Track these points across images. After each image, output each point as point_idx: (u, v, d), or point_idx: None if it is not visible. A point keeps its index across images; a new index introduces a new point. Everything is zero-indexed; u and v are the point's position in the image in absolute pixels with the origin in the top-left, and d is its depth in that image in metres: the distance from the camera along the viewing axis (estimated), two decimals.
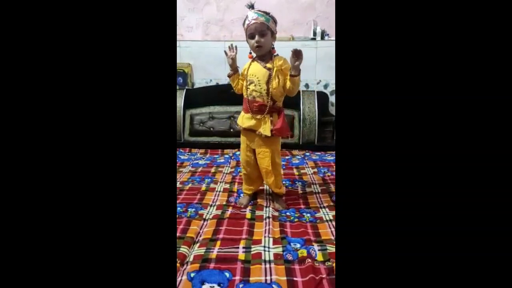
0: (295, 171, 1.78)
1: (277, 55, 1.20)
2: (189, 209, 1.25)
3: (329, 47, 2.37)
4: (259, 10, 1.14)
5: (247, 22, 1.15)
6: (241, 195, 1.38)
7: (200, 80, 2.54)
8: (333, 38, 2.38)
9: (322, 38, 2.37)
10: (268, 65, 1.17)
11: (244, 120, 1.24)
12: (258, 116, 1.19)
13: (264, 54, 1.19)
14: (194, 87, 2.53)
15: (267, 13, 1.15)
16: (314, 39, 2.37)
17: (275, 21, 1.18)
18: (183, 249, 0.96)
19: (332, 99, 2.47)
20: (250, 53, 1.20)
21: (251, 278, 0.85)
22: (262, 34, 1.13)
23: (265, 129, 1.19)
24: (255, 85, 1.18)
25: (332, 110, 2.46)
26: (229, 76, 1.27)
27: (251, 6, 1.15)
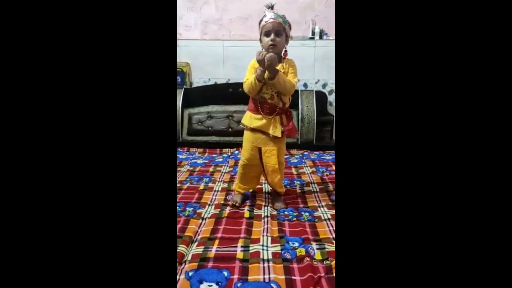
0: (293, 170, 1.78)
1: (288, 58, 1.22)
2: (187, 208, 1.25)
3: (327, 46, 2.37)
4: (278, 13, 1.17)
5: (264, 20, 1.17)
6: (234, 194, 1.36)
7: (198, 79, 2.54)
8: (332, 37, 2.39)
9: (321, 37, 2.37)
10: (278, 67, 1.18)
11: (253, 120, 1.24)
12: (268, 118, 1.21)
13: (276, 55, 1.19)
14: (192, 86, 2.53)
15: (284, 17, 1.19)
16: (312, 38, 2.37)
17: (290, 26, 1.21)
18: (181, 248, 0.96)
19: (331, 98, 2.47)
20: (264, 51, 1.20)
21: (249, 277, 0.84)
22: (277, 34, 1.15)
23: (276, 130, 1.21)
24: (266, 88, 1.20)
25: (331, 109, 2.46)
26: (259, 81, 1.16)
27: (271, 7, 1.18)
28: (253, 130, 1.25)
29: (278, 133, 1.21)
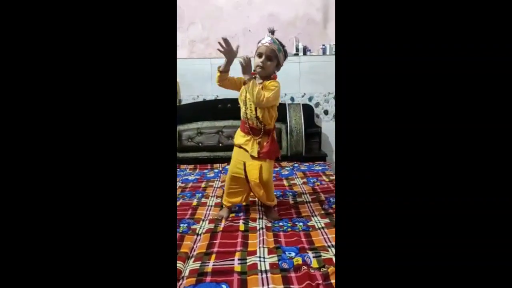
0: (285, 182, 1.80)
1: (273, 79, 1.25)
2: (181, 225, 1.24)
3: (311, 62, 2.46)
4: (277, 39, 1.23)
5: (262, 41, 1.23)
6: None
7: (187, 96, 2.56)
8: (315, 53, 2.48)
9: (305, 53, 2.46)
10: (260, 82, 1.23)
11: (238, 137, 1.33)
12: (249, 137, 1.28)
13: (264, 77, 1.25)
14: (181, 103, 2.55)
15: (282, 45, 1.24)
16: (297, 54, 2.46)
17: (285, 55, 1.26)
18: (177, 264, 0.95)
19: (317, 111, 2.54)
20: (254, 70, 1.25)
21: None
22: (268, 58, 1.21)
23: (253, 150, 1.27)
24: (246, 108, 1.26)
25: (318, 121, 2.53)
26: (220, 71, 1.23)
27: (272, 32, 1.25)
28: (239, 146, 1.32)
29: (254, 153, 1.26)
